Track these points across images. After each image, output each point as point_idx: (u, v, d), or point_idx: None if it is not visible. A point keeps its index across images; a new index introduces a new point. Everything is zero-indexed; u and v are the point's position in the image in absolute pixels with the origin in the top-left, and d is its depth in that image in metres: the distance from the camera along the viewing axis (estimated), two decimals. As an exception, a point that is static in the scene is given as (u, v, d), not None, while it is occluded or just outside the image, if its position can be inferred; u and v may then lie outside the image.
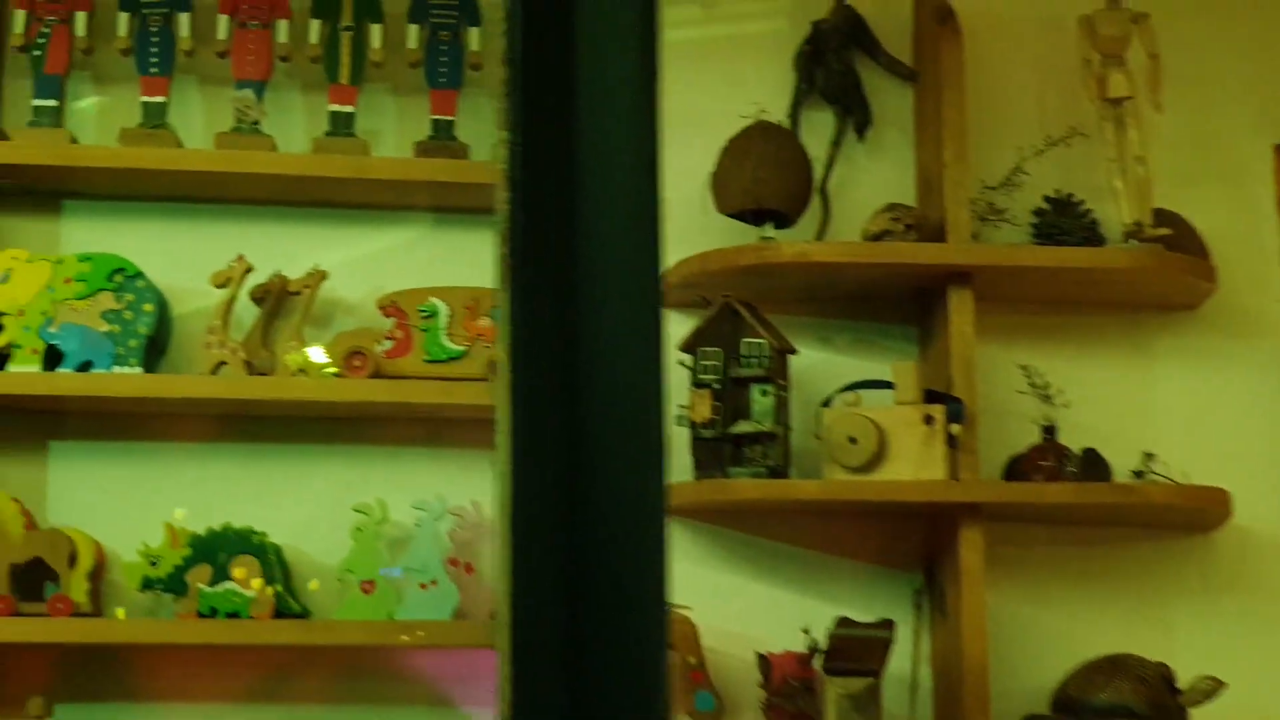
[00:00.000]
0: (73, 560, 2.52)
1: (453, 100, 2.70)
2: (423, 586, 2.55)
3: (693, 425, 2.58)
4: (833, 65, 2.80)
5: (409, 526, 2.64)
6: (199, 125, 2.72)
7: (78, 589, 2.50)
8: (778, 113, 2.79)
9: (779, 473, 2.55)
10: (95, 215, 2.72)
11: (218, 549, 2.52)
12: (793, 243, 2.62)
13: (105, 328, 2.57)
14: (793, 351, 2.63)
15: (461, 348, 2.64)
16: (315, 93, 2.74)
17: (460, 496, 2.64)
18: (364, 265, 2.74)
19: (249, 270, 2.61)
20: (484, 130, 2.77)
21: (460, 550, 2.61)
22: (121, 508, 2.65)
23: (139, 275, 2.59)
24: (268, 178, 2.64)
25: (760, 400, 2.56)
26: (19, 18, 2.64)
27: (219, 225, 2.73)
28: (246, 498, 2.68)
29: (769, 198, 2.61)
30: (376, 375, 2.59)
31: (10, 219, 2.69)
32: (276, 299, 2.66)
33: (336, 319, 2.72)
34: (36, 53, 2.65)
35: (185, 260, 2.68)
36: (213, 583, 2.51)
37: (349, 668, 2.65)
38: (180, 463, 2.69)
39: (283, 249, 2.68)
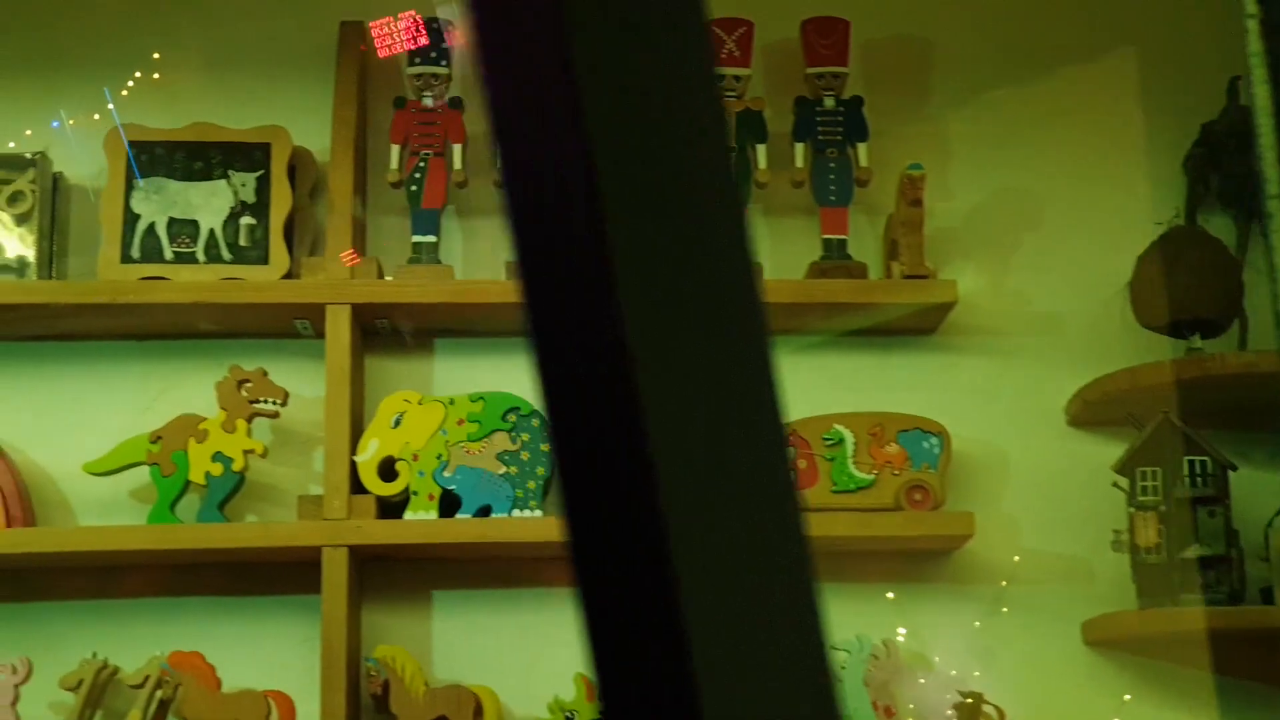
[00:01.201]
0: (477, 717, 2.37)
1: (844, 218, 2.57)
2: (853, 736, 2.36)
3: (1135, 550, 2.39)
4: (1230, 168, 2.64)
5: (818, 671, 2.46)
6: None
7: (485, 750, 2.35)
8: (1158, 218, 2.64)
9: (1237, 598, 2.34)
10: (470, 352, 2.61)
11: (636, 702, 2.35)
12: (1237, 354, 2.45)
13: (502, 470, 2.44)
14: (1233, 468, 2.43)
15: (870, 476, 2.48)
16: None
17: (868, 634, 2.46)
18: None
19: (646, 403, 2.48)
20: (876, 247, 2.64)
21: (877, 692, 2.42)
22: (513, 658, 2.50)
23: (534, 413, 2.47)
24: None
25: (1208, 522, 2.37)
26: (394, 153, 2.56)
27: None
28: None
29: (1202, 306, 2.44)
30: (785, 509, 2.44)
31: (382, 359, 2.59)
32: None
33: (725, 451, 2.56)
34: (413, 188, 2.57)
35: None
36: (632, 739, 2.34)
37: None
38: (561, 608, 2.53)
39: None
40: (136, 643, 2.45)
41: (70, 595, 2.49)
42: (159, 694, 2.35)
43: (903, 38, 2.76)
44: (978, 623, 2.54)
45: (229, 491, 2.44)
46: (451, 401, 2.47)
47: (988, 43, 2.77)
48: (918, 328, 2.62)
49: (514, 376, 2.56)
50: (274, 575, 2.49)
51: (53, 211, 2.58)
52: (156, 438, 2.45)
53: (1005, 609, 2.53)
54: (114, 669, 2.41)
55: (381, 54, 2.63)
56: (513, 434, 2.46)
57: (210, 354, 2.57)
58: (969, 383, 2.62)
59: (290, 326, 2.56)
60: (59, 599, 2.49)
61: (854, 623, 2.51)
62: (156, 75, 2.66)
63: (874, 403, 2.58)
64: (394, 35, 2.61)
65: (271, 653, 2.48)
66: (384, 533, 2.40)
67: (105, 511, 2.52)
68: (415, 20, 2.58)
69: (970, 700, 2.40)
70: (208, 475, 2.44)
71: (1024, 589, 2.54)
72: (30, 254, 2.54)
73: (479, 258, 2.64)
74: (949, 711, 2.46)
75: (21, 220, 2.56)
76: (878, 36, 2.70)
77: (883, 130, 2.62)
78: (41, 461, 2.54)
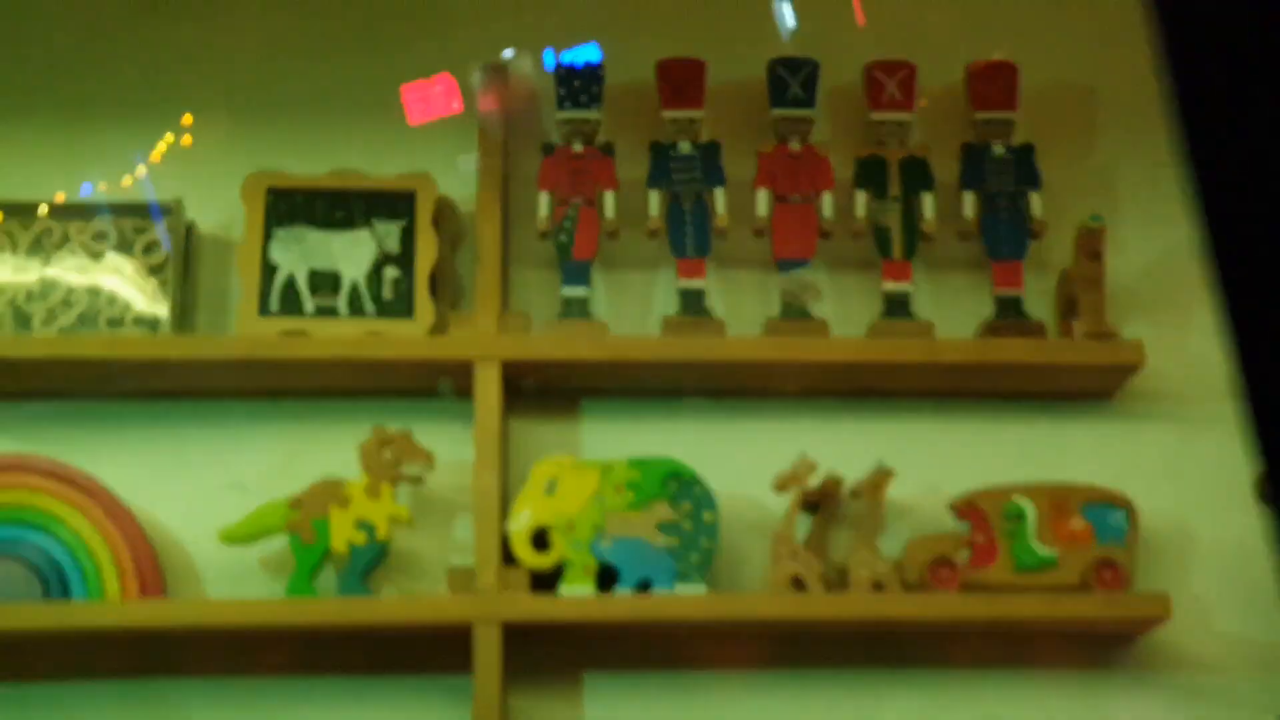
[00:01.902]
0: (637, 808, 2.22)
1: (1019, 272, 2.41)
2: (1045, 834, 2.20)
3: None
4: None
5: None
6: (727, 309, 2.46)
7: (646, 842, 2.19)
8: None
9: None
10: (617, 414, 2.47)
11: (811, 794, 2.20)
12: None
13: (663, 541, 2.29)
14: None
15: (1054, 553, 2.31)
16: (858, 271, 2.48)
17: (1045, 722, 2.30)
18: (925, 459, 2.44)
19: (813, 470, 2.33)
20: (1046, 304, 2.48)
21: (1067, 787, 2.26)
22: (668, 747, 2.35)
23: (695, 481, 2.32)
24: (817, 366, 2.37)
25: None
26: (542, 201, 2.43)
27: (757, 420, 2.46)
28: (802, 731, 2.36)
29: None
30: (965, 587, 2.28)
31: (524, 421, 2.45)
32: (832, 502, 2.37)
33: (892, 521, 2.41)
34: (563, 238, 2.43)
35: (721, 459, 2.40)
36: (805, 834, 2.18)
37: None
38: (730, 692, 2.38)
39: (827, 446, 2.38)
40: (273, 723, 2.32)
41: (201, 670, 2.35)
42: (297, 777, 2.22)
43: (1063, 84, 2.61)
44: (1168, 715, 2.37)
45: (372, 561, 2.30)
46: (608, 467, 2.32)
47: (1154, 89, 2.62)
48: (1093, 392, 2.46)
49: (663, 439, 2.41)
50: (417, 652, 2.34)
51: (184, 262, 2.46)
52: (296, 503, 2.32)
53: (1198, 700, 2.36)
54: (249, 749, 2.27)
55: (523, 100, 2.51)
56: (674, 502, 2.31)
57: (344, 414, 2.44)
58: (1152, 452, 2.46)
59: (430, 385, 2.42)
60: (188, 674, 2.35)
61: (1037, 711, 2.35)
62: (290, 120, 2.54)
63: (1049, 472, 2.42)
64: (536, 79, 2.49)
65: (418, 735, 2.34)
66: (539, 608, 2.25)
67: (234, 581, 2.38)
68: (562, 64, 2.46)
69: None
70: (350, 544, 2.30)
71: (1218, 678, 2.37)
72: (163, 308, 2.41)
73: (627, 313, 2.50)
74: (1139, 805, 2.30)
75: (155, 271, 2.44)
76: (1036, 82, 2.55)
77: (1049, 180, 2.47)
78: (167, 525, 2.41)
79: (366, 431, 2.34)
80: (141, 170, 2.50)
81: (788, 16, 2.55)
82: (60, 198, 2.46)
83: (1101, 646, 2.39)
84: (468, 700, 2.33)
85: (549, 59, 2.48)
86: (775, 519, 2.41)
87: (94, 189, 2.49)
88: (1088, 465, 2.42)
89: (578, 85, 2.44)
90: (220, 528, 2.32)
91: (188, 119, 2.52)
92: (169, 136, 2.51)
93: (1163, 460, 2.45)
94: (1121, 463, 2.44)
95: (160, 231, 2.43)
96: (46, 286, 2.43)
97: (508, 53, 2.51)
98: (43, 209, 2.44)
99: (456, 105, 2.53)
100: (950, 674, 2.38)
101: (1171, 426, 2.47)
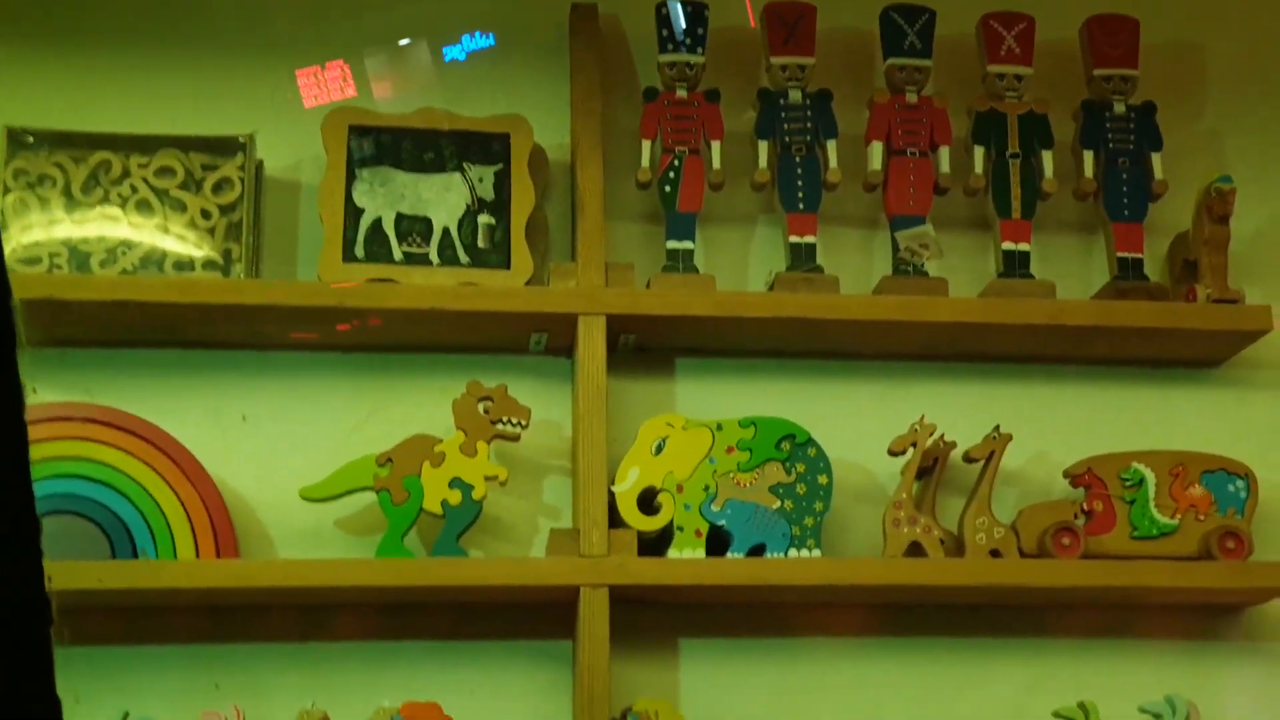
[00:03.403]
0: (750, 784, 2.11)
1: (1140, 234, 2.34)
2: (1175, 810, 2.12)
3: None
4: None
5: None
6: (832, 269, 2.35)
7: (762, 820, 2.09)
8: None
9: None
10: (716, 374, 2.35)
11: (935, 769, 2.10)
12: None
13: (776, 504, 2.18)
14: None
15: (1174, 521, 2.24)
16: (976, 230, 2.39)
17: (1155, 694, 2.22)
18: (1032, 425, 2.35)
19: (932, 433, 2.23)
20: (1161, 270, 2.41)
21: (1184, 764, 2.19)
22: (768, 715, 2.24)
23: (810, 442, 2.21)
24: (932, 327, 2.27)
25: None
26: (645, 149, 2.30)
27: (864, 382, 2.36)
28: (906, 700, 2.27)
29: None
30: (1085, 555, 2.20)
31: (621, 380, 2.32)
32: (943, 467, 2.28)
33: (1000, 488, 2.32)
34: (668, 189, 2.31)
35: (826, 423, 2.29)
36: (932, 811, 2.09)
37: None
38: (830, 660, 2.28)
39: (934, 410, 2.29)
40: (354, 692, 2.17)
41: (280, 636, 2.20)
42: (387, 750, 2.08)
43: (1172, 43, 2.53)
44: (1275, 686, 2.31)
45: (468, 522, 2.16)
46: (719, 427, 2.21)
47: (1266, 49, 2.56)
48: (1204, 359, 2.40)
49: (766, 402, 2.30)
50: (514, 617, 2.22)
51: (256, 203, 2.30)
52: (386, 460, 2.17)
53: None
54: (330, 721, 2.13)
55: (617, 41, 2.39)
56: (787, 464, 2.20)
57: (430, 369, 2.30)
58: (1263, 421, 2.40)
59: (523, 340, 2.29)
60: (267, 640, 2.20)
61: (1144, 683, 2.28)
62: (374, 57, 2.39)
63: (1157, 440, 2.35)
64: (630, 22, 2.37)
65: (511, 704, 2.20)
66: (649, 572, 2.13)
67: (307, 543, 2.23)
68: (665, 4, 2.33)
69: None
70: (444, 504, 2.16)
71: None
72: (236, 249, 2.25)
73: (730, 268, 2.38)
74: (1257, 784, 2.23)
75: (227, 211, 2.27)
76: (1144, 40, 2.47)
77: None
78: (236, 485, 2.25)
79: (454, 388, 2.20)
80: (212, 105, 2.34)
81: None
82: (119, 129, 2.30)
83: (1209, 617, 2.33)
84: (564, 667, 2.21)
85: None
86: (880, 485, 2.32)
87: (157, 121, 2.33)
88: (1198, 433, 2.36)
89: (683, 26, 2.31)
90: (294, 488, 2.18)
91: (266, 53, 2.36)
92: (245, 70, 2.35)
93: (1276, 429, 2.39)
94: (1232, 431, 2.37)
95: (234, 168, 2.27)
96: (105, 225, 2.26)
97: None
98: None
99: (543, 47, 2.40)
100: (1055, 644, 2.30)
101: (1284, 394, 2.41)
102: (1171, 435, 2.36)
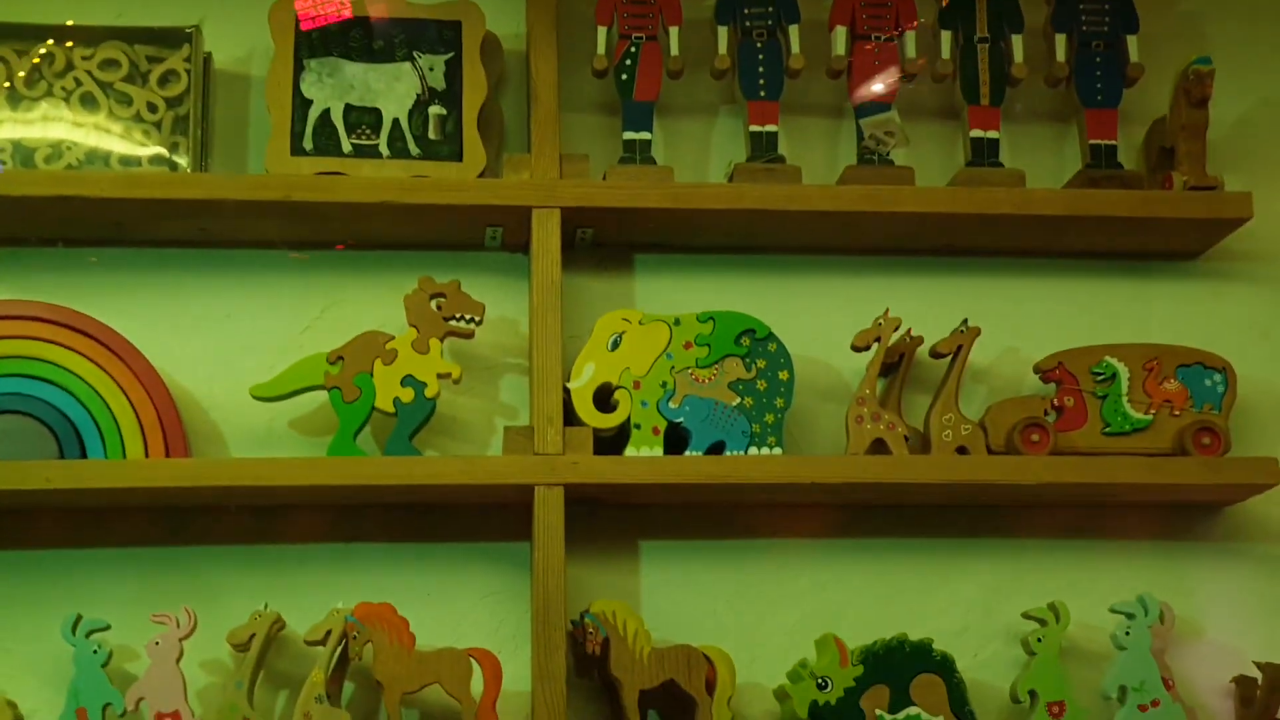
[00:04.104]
0: (709, 685, 2.07)
1: (1114, 120, 2.26)
2: (1142, 709, 2.08)
3: None
4: None
5: (1079, 636, 2.19)
6: (796, 160, 2.28)
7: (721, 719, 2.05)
8: None
9: None
10: (675, 269, 2.29)
11: (897, 667, 2.06)
12: None
13: (735, 401, 2.13)
14: None
15: (1147, 416, 2.18)
16: (944, 118, 2.32)
17: (1127, 594, 2.17)
18: (1001, 320, 2.29)
19: (897, 329, 2.17)
20: (1137, 159, 2.33)
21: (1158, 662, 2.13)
22: (737, 619, 2.20)
23: (770, 337, 2.15)
24: (899, 218, 2.20)
25: None
26: (601, 35, 2.23)
27: (828, 277, 2.30)
28: (870, 602, 2.22)
29: None
30: (1055, 452, 2.14)
31: (576, 277, 2.26)
32: (909, 363, 2.22)
33: (968, 385, 2.26)
34: (624, 77, 2.24)
35: (789, 319, 2.24)
36: (893, 708, 2.05)
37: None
38: (792, 562, 2.23)
39: (901, 304, 2.23)
40: (308, 594, 2.13)
41: (232, 539, 2.16)
42: (339, 651, 2.04)
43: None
44: (1253, 585, 2.26)
45: (420, 420, 2.11)
46: (677, 322, 2.15)
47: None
48: (1182, 251, 2.33)
49: (727, 298, 2.24)
50: (470, 519, 2.17)
51: (204, 97, 2.24)
52: (337, 358, 2.12)
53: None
54: (283, 623, 2.09)
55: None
56: (747, 360, 2.14)
57: (384, 266, 2.25)
58: (1243, 314, 2.34)
59: (479, 236, 2.23)
60: (218, 543, 2.16)
61: (1116, 583, 2.23)
62: (322, -57, 2.32)
63: (1134, 335, 2.28)
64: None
65: (469, 607, 2.16)
66: (606, 470, 2.08)
67: (259, 445, 2.19)
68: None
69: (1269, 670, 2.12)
70: (396, 402, 2.11)
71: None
72: (184, 143, 2.19)
73: (690, 160, 2.32)
74: (1229, 683, 2.18)
75: (173, 104, 2.21)
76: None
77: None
78: (186, 385, 2.21)
79: (409, 286, 2.15)
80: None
81: None
82: (62, 20, 2.23)
83: (1185, 516, 2.28)
84: (523, 571, 2.17)
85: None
86: (844, 382, 2.26)
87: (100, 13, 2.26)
88: (1175, 327, 2.30)
89: (639, -91, 2.24)
90: (245, 389, 2.13)
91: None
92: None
93: (1255, 323, 2.33)
94: (1211, 325, 2.31)
95: (180, 60, 2.21)
96: (49, 120, 2.20)
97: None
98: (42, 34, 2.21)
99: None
100: (1024, 544, 2.25)
101: (1265, 288, 2.34)
102: (1146, 330, 2.30)
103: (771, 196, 2.18)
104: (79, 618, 2.04)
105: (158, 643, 2.02)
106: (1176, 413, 2.18)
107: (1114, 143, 2.25)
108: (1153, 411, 2.18)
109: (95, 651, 2.02)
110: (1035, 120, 2.35)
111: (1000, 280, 2.31)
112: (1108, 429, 2.18)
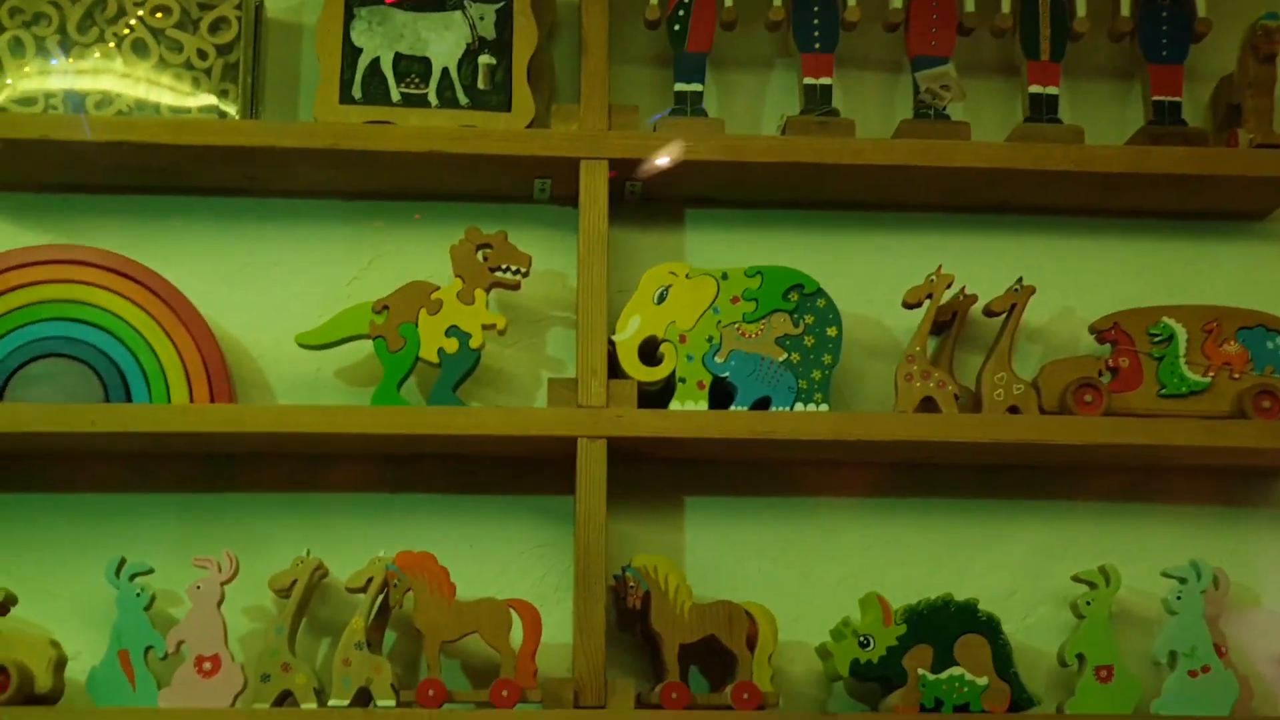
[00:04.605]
0: (750, 641, 2.04)
1: (1179, 76, 2.21)
2: (1192, 674, 2.03)
3: None
4: None
5: (1129, 600, 2.15)
6: (851, 114, 2.25)
7: (762, 676, 2.02)
8: None
9: None
10: (726, 224, 2.26)
11: (941, 627, 2.03)
12: None
13: (782, 357, 2.10)
14: None
15: (1205, 379, 2.13)
16: (1003, 75, 2.28)
17: (1180, 559, 2.13)
18: (1057, 279, 2.25)
19: (949, 286, 2.13)
20: (1204, 117, 2.28)
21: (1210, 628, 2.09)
22: (780, 576, 2.18)
23: (819, 293, 2.12)
24: (954, 173, 2.16)
25: None
26: (654, -14, 2.21)
27: (880, 233, 2.26)
28: (917, 563, 2.19)
29: None
30: (1108, 413, 2.10)
31: (625, 230, 2.24)
32: (961, 322, 2.18)
33: (1022, 345, 2.22)
34: (676, 28, 2.21)
35: (839, 275, 2.20)
36: (936, 668, 2.02)
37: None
38: (838, 521, 2.20)
39: (955, 262, 2.19)
40: (350, 542, 2.13)
41: (276, 486, 2.16)
42: (380, 599, 2.04)
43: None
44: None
45: (465, 371, 2.10)
46: (725, 276, 2.12)
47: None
48: (1248, 211, 2.27)
49: (778, 253, 2.21)
50: (514, 471, 2.16)
51: (255, 45, 2.23)
52: (382, 307, 2.11)
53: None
54: (326, 570, 2.09)
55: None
56: (795, 315, 2.11)
57: (433, 217, 2.23)
58: (1309, 276, 2.28)
59: (527, 188, 2.21)
60: (262, 490, 2.16)
61: (1169, 548, 2.19)
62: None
63: (1199, 295, 2.24)
64: None
65: (512, 559, 2.15)
66: (649, 424, 2.06)
67: (305, 393, 2.19)
68: None
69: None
70: (441, 352, 2.10)
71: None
72: (233, 90, 2.19)
73: (743, 113, 2.29)
74: (1284, 653, 2.14)
75: (224, 51, 2.20)
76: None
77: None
78: (233, 332, 2.20)
79: (457, 237, 2.13)
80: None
81: None
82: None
83: (1242, 481, 2.23)
84: (565, 522, 2.15)
85: None
86: (894, 340, 2.23)
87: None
88: (1238, 289, 2.25)
89: None
90: (292, 337, 2.13)
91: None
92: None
93: (1320, 286, 2.28)
94: (1276, 287, 2.26)
95: (231, 7, 2.20)
96: (100, 67, 2.20)
97: None
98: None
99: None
100: (1075, 506, 2.21)
101: (1330, 249, 2.29)
102: (1208, 292, 2.25)
103: (824, 150, 2.14)
104: (123, 561, 2.05)
105: (199, 587, 2.03)
106: (1236, 375, 2.13)
107: (1178, 99, 2.20)
108: (1211, 374, 2.13)
109: (138, 595, 2.03)
110: (1097, 77, 2.30)
111: (1057, 239, 2.27)
112: (1163, 391, 2.13)
